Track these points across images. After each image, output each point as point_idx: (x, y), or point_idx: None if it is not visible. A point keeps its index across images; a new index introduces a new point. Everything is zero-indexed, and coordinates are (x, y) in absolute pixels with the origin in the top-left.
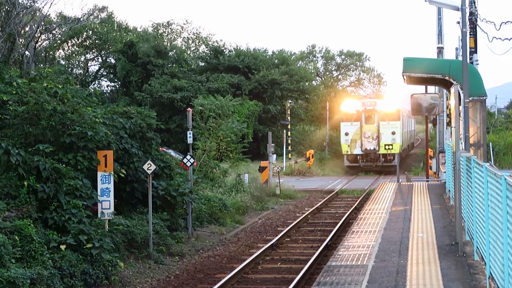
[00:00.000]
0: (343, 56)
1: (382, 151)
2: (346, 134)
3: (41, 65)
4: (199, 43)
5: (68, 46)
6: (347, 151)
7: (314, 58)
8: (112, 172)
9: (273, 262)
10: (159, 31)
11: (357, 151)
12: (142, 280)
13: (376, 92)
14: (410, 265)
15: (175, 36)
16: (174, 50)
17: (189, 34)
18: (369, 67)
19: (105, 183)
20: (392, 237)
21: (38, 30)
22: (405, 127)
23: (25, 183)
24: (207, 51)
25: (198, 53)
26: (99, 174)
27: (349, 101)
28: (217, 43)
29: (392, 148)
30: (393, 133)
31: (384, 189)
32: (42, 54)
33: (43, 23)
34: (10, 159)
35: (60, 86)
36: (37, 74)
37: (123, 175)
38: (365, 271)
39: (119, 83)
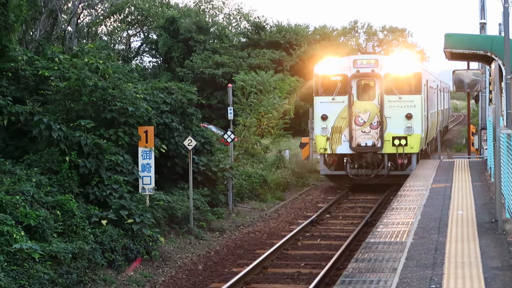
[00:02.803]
0: (385, 32)
1: (388, 149)
2: (324, 118)
3: (84, 41)
4: (241, 19)
5: (110, 22)
6: (325, 149)
7: (356, 34)
8: (153, 148)
9: (313, 239)
10: (201, 7)
11: (343, 148)
12: (182, 255)
13: None
14: (449, 242)
15: (217, 12)
16: (216, 26)
17: (230, 10)
18: (412, 43)
19: (146, 159)
20: (431, 214)
21: (80, 6)
22: (432, 106)
23: (67, 158)
24: (249, 27)
25: (239, 29)
26: (140, 149)
27: (329, 60)
28: (259, 19)
29: (406, 144)
30: (409, 116)
31: (425, 166)
32: (85, 30)
33: None
34: (52, 134)
35: (101, 62)
36: (79, 50)
37: (164, 151)
38: (404, 248)
39: (161, 59)
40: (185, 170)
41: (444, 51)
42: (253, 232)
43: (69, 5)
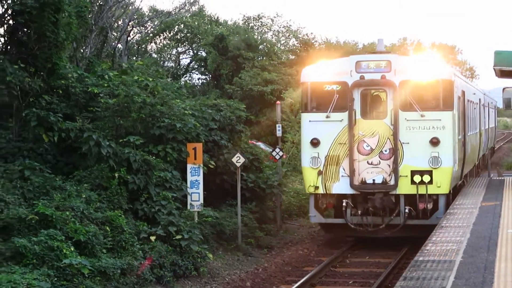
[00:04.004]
0: (435, 49)
1: (404, 188)
2: (314, 143)
3: (134, 58)
4: (289, 36)
5: (160, 40)
6: (316, 187)
7: (405, 51)
8: (202, 165)
9: (361, 256)
10: (250, 25)
11: (341, 187)
12: (230, 272)
13: None
14: (499, 261)
15: (266, 30)
16: (265, 43)
17: (279, 27)
18: (462, 60)
19: (195, 175)
20: (481, 232)
21: (130, 24)
22: (473, 125)
23: (116, 174)
24: (297, 44)
25: (288, 46)
26: (189, 166)
27: (324, 64)
28: (307, 36)
29: (431, 181)
30: (435, 141)
31: (474, 184)
32: (134, 47)
33: (135, 17)
34: (101, 151)
35: (150, 79)
36: (128, 67)
37: (212, 167)
38: (453, 266)
39: (210, 76)
40: (234, 187)
41: (494, 68)
42: (301, 249)
43: (119, 22)
